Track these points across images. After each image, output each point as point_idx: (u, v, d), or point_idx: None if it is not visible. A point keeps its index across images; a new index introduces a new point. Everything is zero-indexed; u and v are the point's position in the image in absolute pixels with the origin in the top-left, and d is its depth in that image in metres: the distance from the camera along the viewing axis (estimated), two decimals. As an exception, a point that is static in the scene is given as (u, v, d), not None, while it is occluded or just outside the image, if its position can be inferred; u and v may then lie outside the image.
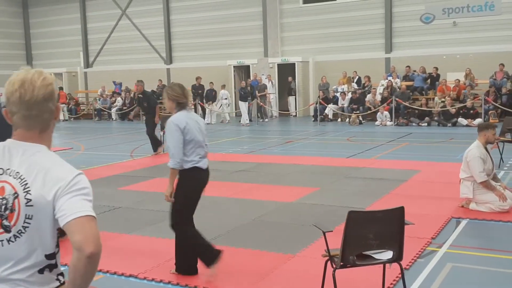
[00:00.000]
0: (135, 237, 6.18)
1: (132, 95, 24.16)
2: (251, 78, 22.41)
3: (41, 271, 1.96)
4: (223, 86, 21.63)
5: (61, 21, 29.56)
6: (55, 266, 2.00)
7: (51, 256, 1.97)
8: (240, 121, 20.41)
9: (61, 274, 2.04)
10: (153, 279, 4.82)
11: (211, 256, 4.74)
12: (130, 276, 4.93)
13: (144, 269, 5.04)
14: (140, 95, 13.01)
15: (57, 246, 2.00)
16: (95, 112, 25.28)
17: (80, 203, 1.87)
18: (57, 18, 29.74)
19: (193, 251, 4.81)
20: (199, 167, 4.71)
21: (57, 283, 2.02)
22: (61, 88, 26.22)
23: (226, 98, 21.64)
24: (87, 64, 29.18)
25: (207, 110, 21.23)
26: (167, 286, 4.70)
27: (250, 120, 20.66)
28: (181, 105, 4.71)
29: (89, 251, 1.80)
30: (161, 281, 4.78)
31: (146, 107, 12.89)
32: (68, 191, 1.88)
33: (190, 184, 4.74)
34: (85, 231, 1.83)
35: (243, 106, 19.97)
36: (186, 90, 4.85)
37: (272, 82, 22.37)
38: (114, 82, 25.85)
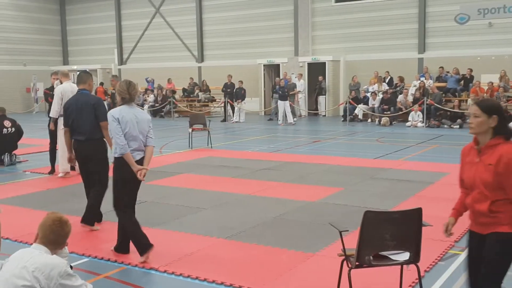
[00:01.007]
0: (158, 231, 6.28)
1: (164, 92, 24.47)
2: (281, 76, 22.40)
3: None
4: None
5: (97, 19, 30.15)
6: None
7: None
8: (280, 120, 20.03)
9: None
10: (173, 273, 4.90)
11: (142, 246, 5.22)
12: (151, 269, 5.02)
13: (165, 263, 5.12)
14: (114, 91, 12.14)
15: None
16: (128, 109, 25.55)
17: None
18: (93, 16, 30.35)
19: (127, 233, 5.35)
20: None
21: None
22: (101, 84, 26.18)
23: None
24: (121, 61, 29.68)
25: (236, 108, 21.33)
26: (187, 279, 4.77)
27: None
28: (124, 100, 5.18)
29: None
30: (181, 274, 4.85)
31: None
32: None
33: (118, 172, 5.21)
34: None
35: (281, 105, 19.59)
36: (132, 87, 5.19)
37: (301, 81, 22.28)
38: (146, 79, 26.18)
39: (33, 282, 2.92)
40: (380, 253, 3.73)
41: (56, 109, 9.08)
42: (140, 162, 5.17)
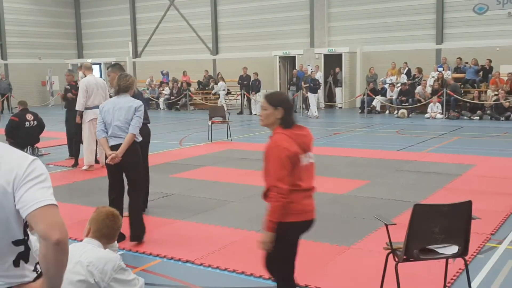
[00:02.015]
0: (189, 223, 6.27)
1: (179, 85, 24.47)
2: (297, 68, 22.27)
3: (16, 264, 1.95)
4: (221, 78, 23.34)
5: (111, 11, 30.16)
6: (27, 254, 1.98)
7: (19, 243, 1.95)
8: (308, 113, 19.54)
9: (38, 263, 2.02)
10: (209, 265, 4.88)
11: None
12: (187, 261, 5.00)
13: (200, 255, 5.10)
14: (67, 87, 10.76)
15: (26, 234, 1.98)
16: (143, 101, 25.67)
17: (39, 192, 1.86)
18: (107, 9, 30.36)
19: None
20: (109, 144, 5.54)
21: (35, 274, 2.01)
22: None
23: (224, 90, 23.13)
24: (136, 54, 29.69)
25: (252, 100, 21.25)
26: (224, 272, 4.75)
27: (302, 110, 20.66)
28: (115, 91, 5.64)
29: (55, 238, 1.80)
30: (217, 267, 4.83)
31: (70, 101, 10.36)
32: (25, 180, 1.86)
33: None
34: (48, 219, 1.82)
35: (312, 98, 19.23)
36: (121, 79, 5.53)
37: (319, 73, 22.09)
38: (161, 72, 26.21)
39: (87, 277, 2.90)
40: (427, 246, 3.67)
41: (81, 102, 9.09)
42: (117, 147, 5.43)
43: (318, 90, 20.00)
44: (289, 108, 3.40)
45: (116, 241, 3.32)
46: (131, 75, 5.77)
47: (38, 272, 2.03)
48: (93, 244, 3.07)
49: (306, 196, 3.47)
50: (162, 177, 8.80)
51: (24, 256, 1.98)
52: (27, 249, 1.99)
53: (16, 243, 1.95)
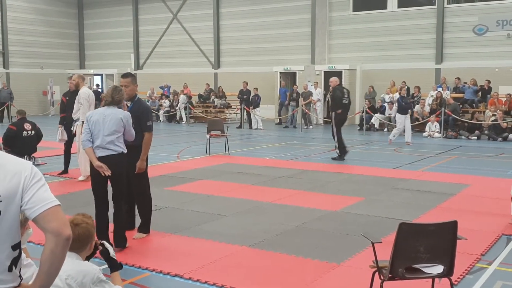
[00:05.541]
0: (180, 237, 6.27)
1: (179, 97, 24.57)
2: (297, 84, 22.37)
3: (10, 269, 2.04)
4: (182, 91, 24.18)
5: (114, 23, 30.38)
6: (19, 259, 2.09)
7: (16, 247, 2.06)
8: (392, 135, 16.02)
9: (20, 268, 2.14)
10: (198, 280, 4.87)
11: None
12: (176, 275, 5.00)
13: (189, 270, 5.10)
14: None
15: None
16: (143, 113, 25.74)
17: (46, 194, 2.04)
18: (111, 20, 30.58)
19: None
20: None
21: (20, 280, 2.10)
22: None
23: (184, 102, 23.67)
24: (137, 66, 29.83)
25: (251, 114, 21.31)
26: (212, 287, 4.74)
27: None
28: (105, 102, 5.64)
29: (67, 234, 1.99)
30: (206, 282, 4.82)
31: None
32: (32, 182, 2.02)
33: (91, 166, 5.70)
34: (59, 218, 2.02)
35: (401, 119, 15.63)
36: (116, 91, 5.58)
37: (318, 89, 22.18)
38: (161, 87, 26.25)
39: (66, 290, 2.90)
40: (413, 265, 3.68)
41: (86, 112, 9.13)
42: (105, 159, 5.44)
43: (409, 110, 16.34)
44: None
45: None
46: (120, 87, 5.81)
47: (21, 278, 2.11)
48: (71, 257, 3.04)
49: None
50: (156, 190, 8.76)
51: (15, 261, 2.07)
52: (20, 254, 2.09)
53: (14, 247, 2.06)
